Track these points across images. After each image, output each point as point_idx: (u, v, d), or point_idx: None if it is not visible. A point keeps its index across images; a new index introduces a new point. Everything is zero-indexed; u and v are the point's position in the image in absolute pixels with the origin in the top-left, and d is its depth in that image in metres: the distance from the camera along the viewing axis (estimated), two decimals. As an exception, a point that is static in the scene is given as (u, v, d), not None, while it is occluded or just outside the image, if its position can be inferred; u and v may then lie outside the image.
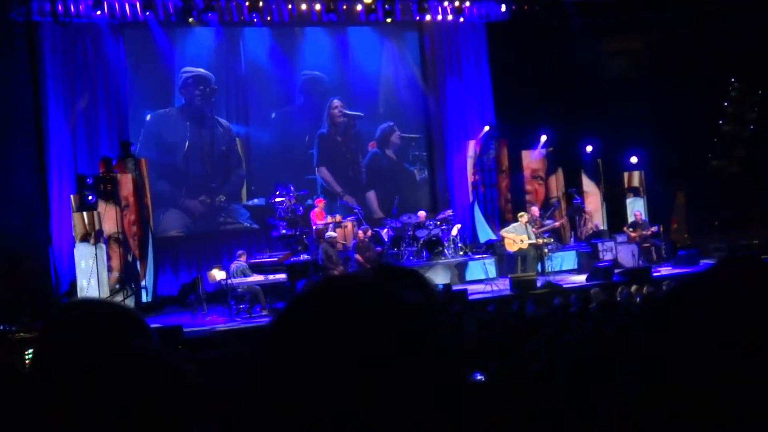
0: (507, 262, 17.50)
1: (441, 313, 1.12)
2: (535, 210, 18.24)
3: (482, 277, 16.92)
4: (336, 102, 19.96)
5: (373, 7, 18.96)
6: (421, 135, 20.67)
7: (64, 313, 1.94)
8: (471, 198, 19.92)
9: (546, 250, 17.19)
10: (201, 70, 18.81)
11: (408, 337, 1.06)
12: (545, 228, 17.83)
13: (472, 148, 19.86)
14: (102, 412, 1.37)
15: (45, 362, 1.77)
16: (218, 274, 15.25)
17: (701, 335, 1.08)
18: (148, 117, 18.44)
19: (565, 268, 17.94)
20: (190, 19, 17.80)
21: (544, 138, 19.25)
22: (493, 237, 18.88)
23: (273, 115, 19.54)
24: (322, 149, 19.87)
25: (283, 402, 1.05)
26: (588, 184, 19.57)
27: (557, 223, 18.63)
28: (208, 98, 18.96)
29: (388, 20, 19.34)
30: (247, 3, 17.93)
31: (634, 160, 19.54)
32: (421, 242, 17.61)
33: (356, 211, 18.29)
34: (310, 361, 1.05)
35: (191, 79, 18.79)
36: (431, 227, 17.85)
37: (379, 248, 17.04)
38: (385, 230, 18.00)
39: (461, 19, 20.07)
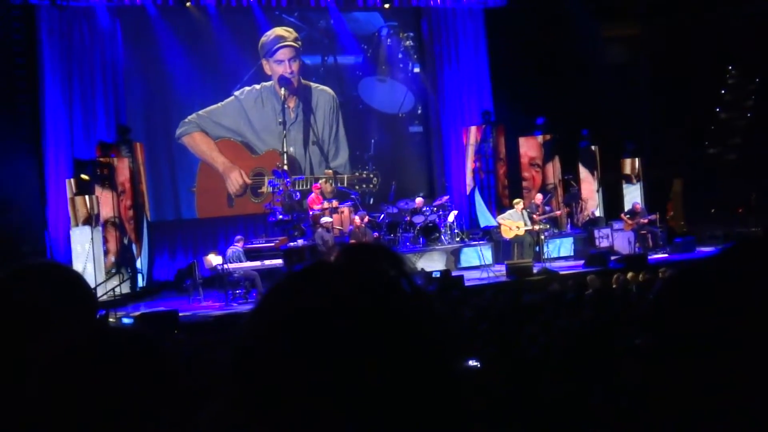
0: (503, 248, 17.50)
1: (413, 288, 1.10)
2: (540, 197, 18.22)
3: (477, 263, 16.93)
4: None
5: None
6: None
7: (10, 278, 1.90)
8: (471, 184, 19.90)
9: (542, 237, 17.20)
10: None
11: (373, 314, 1.05)
12: (546, 215, 17.84)
13: (473, 134, 19.81)
14: (90, 394, 1.37)
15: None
16: (215, 259, 15.23)
17: (717, 315, 1.09)
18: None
19: (561, 254, 17.96)
20: (188, 3, 17.75)
21: (540, 123, 19.23)
22: (494, 223, 18.87)
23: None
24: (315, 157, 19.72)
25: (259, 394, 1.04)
26: (584, 171, 19.53)
27: (558, 213, 18.62)
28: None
29: (386, 5, 19.30)
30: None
31: (630, 147, 19.51)
32: (418, 228, 17.61)
33: (353, 197, 18.28)
34: (287, 343, 1.04)
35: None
36: (428, 213, 17.84)
37: (375, 234, 17.03)
38: (382, 216, 17.97)
39: (459, 5, 20.02)
